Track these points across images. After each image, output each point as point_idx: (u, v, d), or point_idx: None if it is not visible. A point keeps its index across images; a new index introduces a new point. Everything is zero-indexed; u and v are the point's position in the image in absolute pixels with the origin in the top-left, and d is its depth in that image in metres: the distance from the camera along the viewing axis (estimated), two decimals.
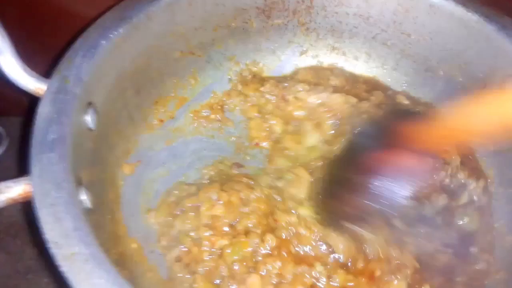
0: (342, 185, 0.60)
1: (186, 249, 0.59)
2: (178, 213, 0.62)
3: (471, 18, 0.70)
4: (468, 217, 0.67)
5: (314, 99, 0.75)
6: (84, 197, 0.49)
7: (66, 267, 0.38)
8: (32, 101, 0.52)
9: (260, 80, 0.82)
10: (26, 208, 0.86)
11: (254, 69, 0.84)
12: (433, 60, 0.79)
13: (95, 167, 0.58)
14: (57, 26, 0.69)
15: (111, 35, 0.60)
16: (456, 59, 0.75)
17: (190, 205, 0.62)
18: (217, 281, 0.56)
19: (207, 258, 0.57)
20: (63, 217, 0.41)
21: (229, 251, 0.57)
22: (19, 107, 0.88)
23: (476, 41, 0.71)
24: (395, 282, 0.57)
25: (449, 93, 0.79)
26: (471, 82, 0.75)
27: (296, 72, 0.85)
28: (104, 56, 0.59)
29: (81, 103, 0.54)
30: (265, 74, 0.84)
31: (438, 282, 0.60)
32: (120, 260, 0.54)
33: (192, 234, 0.60)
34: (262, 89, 0.79)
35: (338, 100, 0.75)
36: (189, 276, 0.56)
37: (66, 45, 0.57)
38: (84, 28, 0.59)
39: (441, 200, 0.67)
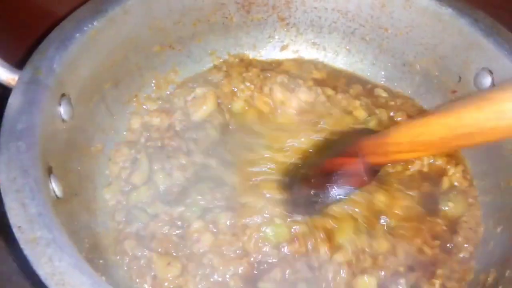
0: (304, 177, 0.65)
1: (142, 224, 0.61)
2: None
3: (445, 12, 0.71)
4: (451, 202, 0.68)
5: (283, 94, 0.76)
6: (54, 186, 0.49)
7: (28, 250, 0.38)
8: (4, 92, 0.53)
9: (246, 64, 0.83)
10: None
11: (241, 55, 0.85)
12: (410, 54, 0.80)
13: (69, 158, 0.59)
14: (32, 18, 0.69)
15: (85, 28, 0.61)
16: (432, 53, 0.76)
17: None
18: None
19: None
20: (28, 203, 0.41)
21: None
22: None
23: (450, 35, 0.72)
24: (365, 278, 0.58)
25: (426, 87, 0.80)
26: (447, 76, 0.76)
27: (281, 62, 0.85)
28: (78, 49, 0.59)
29: (53, 95, 0.55)
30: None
31: (416, 275, 0.60)
32: (92, 248, 0.55)
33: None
34: (244, 75, 0.80)
35: (310, 96, 0.76)
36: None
37: (41, 37, 0.57)
38: (59, 21, 0.60)
39: (424, 188, 0.69)
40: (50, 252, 0.38)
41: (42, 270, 0.37)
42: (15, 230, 0.39)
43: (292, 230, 0.61)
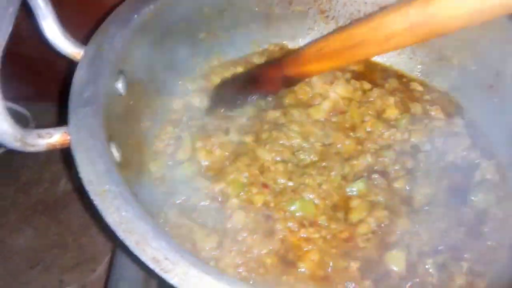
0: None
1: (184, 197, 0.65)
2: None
3: None
4: (481, 194, 0.68)
5: (321, 86, 0.79)
6: (114, 151, 0.53)
7: (98, 201, 0.43)
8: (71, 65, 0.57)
9: (287, 52, 0.86)
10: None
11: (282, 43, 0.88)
12: (448, 49, 0.81)
13: (124, 131, 0.63)
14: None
15: (143, 11, 0.65)
16: (470, 48, 0.78)
17: None
18: None
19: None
20: (97, 161, 0.46)
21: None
22: (46, 94, 0.94)
23: (489, 29, 0.73)
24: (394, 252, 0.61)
25: (463, 81, 0.81)
26: (484, 71, 0.77)
27: None
28: (135, 29, 0.64)
29: (113, 70, 0.60)
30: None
31: (443, 257, 0.62)
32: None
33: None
34: None
35: (347, 91, 0.79)
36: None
37: (103, 16, 0.62)
38: (120, 2, 0.65)
39: (456, 178, 0.70)
40: (117, 204, 0.42)
41: (111, 218, 0.41)
42: (86, 183, 0.44)
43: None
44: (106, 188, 0.43)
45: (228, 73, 0.82)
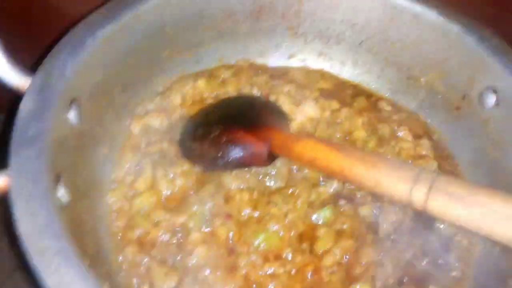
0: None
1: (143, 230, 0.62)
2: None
3: (452, 28, 0.72)
4: None
5: (289, 107, 0.77)
6: (62, 193, 0.50)
7: (36, 260, 0.39)
8: (17, 97, 0.53)
9: (256, 69, 0.84)
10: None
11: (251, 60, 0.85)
12: (416, 69, 0.80)
13: (77, 163, 0.60)
14: (46, 23, 0.70)
15: (97, 33, 0.62)
16: (438, 69, 0.77)
17: None
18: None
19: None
20: (37, 212, 0.42)
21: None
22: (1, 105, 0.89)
23: (456, 52, 0.73)
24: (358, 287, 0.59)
25: (430, 102, 0.81)
26: (451, 93, 0.77)
27: (288, 70, 0.86)
28: (89, 54, 0.60)
29: (64, 100, 0.56)
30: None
31: None
32: (96, 254, 0.56)
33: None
34: (254, 79, 0.81)
35: (315, 112, 0.77)
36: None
37: (53, 43, 0.58)
38: (72, 27, 0.61)
39: None
40: (57, 262, 0.39)
41: (50, 279, 0.38)
42: (24, 239, 0.40)
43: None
44: (45, 244, 0.40)
45: (187, 87, 0.77)
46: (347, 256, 0.63)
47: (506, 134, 0.68)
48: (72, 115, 0.58)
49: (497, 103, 0.69)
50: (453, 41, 0.73)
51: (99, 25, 0.62)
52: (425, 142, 0.77)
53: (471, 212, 0.49)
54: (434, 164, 0.73)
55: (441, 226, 0.67)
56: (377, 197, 0.68)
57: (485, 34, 0.71)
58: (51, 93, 0.54)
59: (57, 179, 0.50)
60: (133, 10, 0.66)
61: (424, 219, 0.67)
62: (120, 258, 0.60)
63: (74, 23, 0.61)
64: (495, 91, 0.69)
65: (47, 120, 0.51)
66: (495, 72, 0.69)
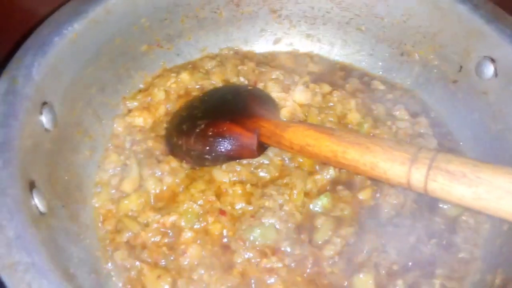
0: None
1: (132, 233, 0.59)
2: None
3: None
4: None
5: (278, 94, 0.73)
6: (37, 201, 0.47)
7: (6, 277, 0.36)
8: None
9: (241, 57, 0.80)
10: None
11: (236, 48, 0.82)
12: (408, 43, 0.77)
13: (55, 169, 0.56)
14: (8, 24, 0.66)
15: (65, 31, 0.58)
16: (431, 42, 0.73)
17: None
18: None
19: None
20: (6, 225, 0.39)
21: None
22: None
23: (449, 22, 0.69)
24: (361, 276, 0.56)
25: (426, 77, 0.77)
26: (447, 66, 0.73)
27: (276, 56, 0.82)
28: (58, 54, 0.57)
29: (33, 104, 0.52)
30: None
31: (414, 276, 0.58)
32: (83, 262, 0.53)
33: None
34: (240, 67, 0.77)
35: (306, 97, 0.73)
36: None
37: (17, 44, 0.55)
38: (37, 25, 0.57)
39: None
40: (29, 278, 0.36)
41: None
42: None
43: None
44: (15, 260, 0.37)
45: (170, 82, 0.73)
46: (349, 243, 0.59)
47: (506, 106, 0.65)
48: (45, 120, 0.54)
49: (496, 73, 0.65)
50: (445, 11, 0.69)
51: (66, 22, 0.59)
52: (422, 119, 0.73)
53: (475, 191, 0.45)
54: (433, 142, 0.70)
55: (445, 206, 0.64)
56: (376, 180, 0.65)
57: (478, 1, 0.67)
58: (17, 98, 0.51)
59: (30, 187, 0.47)
60: (102, 3, 0.62)
61: (427, 200, 0.64)
62: (109, 264, 0.57)
63: (38, 22, 0.57)
64: (493, 61, 0.65)
65: (14, 127, 0.48)
66: (491, 41, 0.65)
